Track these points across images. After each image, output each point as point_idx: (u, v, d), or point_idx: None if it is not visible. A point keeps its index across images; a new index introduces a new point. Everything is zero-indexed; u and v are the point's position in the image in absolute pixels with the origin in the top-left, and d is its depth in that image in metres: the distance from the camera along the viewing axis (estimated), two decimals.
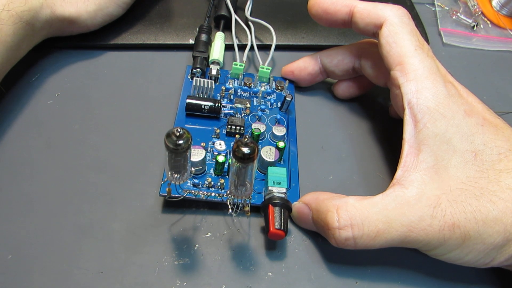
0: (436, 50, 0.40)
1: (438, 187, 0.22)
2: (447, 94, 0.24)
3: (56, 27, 0.31)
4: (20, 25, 0.28)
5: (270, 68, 0.33)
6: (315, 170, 0.30)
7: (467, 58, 0.40)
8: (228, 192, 0.23)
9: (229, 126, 0.29)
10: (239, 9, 0.38)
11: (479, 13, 0.43)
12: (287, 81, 0.33)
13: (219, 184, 0.26)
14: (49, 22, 0.30)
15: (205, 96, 0.30)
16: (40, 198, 0.26)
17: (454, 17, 0.43)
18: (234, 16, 0.36)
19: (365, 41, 0.32)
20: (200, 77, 0.32)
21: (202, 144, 0.28)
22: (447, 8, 0.44)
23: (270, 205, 0.24)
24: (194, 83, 0.30)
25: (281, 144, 0.28)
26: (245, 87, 0.33)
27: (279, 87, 0.33)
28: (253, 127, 0.29)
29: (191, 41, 0.36)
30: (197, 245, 0.25)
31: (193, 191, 0.25)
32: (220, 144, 0.28)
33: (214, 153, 0.28)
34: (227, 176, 0.27)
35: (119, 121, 0.30)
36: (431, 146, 0.23)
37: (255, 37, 0.36)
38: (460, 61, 0.40)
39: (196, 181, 0.26)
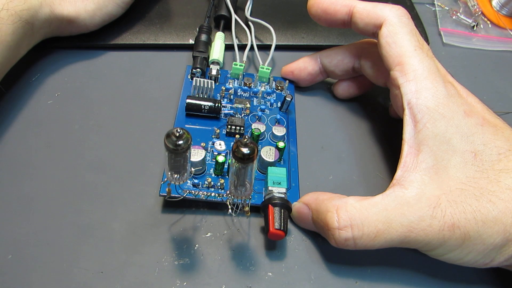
0: (436, 50, 0.40)
1: (438, 188, 0.22)
2: (447, 94, 0.24)
3: (55, 26, 0.31)
4: (20, 24, 0.28)
5: (270, 68, 0.33)
6: (315, 170, 0.30)
7: (467, 58, 0.40)
8: (228, 192, 0.23)
9: (229, 126, 0.29)
10: (239, 9, 0.38)
11: (479, 13, 0.43)
12: (287, 81, 0.33)
13: (219, 184, 0.26)
14: (48, 21, 0.30)
15: (205, 96, 0.30)
16: (40, 198, 0.26)
17: (454, 17, 0.43)
18: (234, 16, 0.36)
19: (364, 41, 0.32)
20: (200, 77, 0.32)
21: (202, 144, 0.28)
22: (447, 8, 0.44)
23: (270, 205, 0.24)
24: (194, 83, 0.30)
25: (281, 144, 0.28)
26: (245, 87, 0.33)
27: (279, 87, 0.33)
28: (253, 127, 0.29)
29: (191, 41, 0.36)
30: (197, 245, 0.25)
31: (193, 191, 0.25)
32: (220, 144, 0.28)
33: (214, 153, 0.28)
34: (227, 176, 0.27)
35: (119, 121, 0.30)
36: (430, 146, 0.23)
37: (255, 37, 0.36)
38: (460, 61, 0.40)
39: (196, 181, 0.26)
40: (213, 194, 0.26)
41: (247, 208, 0.24)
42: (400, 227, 0.22)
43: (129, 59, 0.35)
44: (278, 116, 0.31)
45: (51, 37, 0.33)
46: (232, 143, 0.21)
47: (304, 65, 0.33)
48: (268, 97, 0.32)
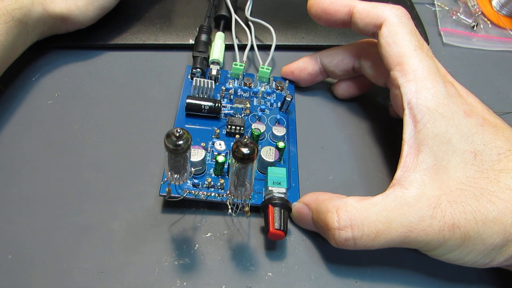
0: (436, 50, 0.40)
1: (438, 188, 0.22)
2: (447, 94, 0.24)
3: (50, 24, 0.31)
4: (12, 24, 0.28)
5: (270, 68, 0.33)
6: (315, 170, 0.30)
7: (467, 58, 0.40)
8: (228, 192, 0.23)
9: (229, 126, 0.29)
10: (239, 9, 0.38)
11: (479, 13, 0.43)
12: (287, 81, 0.33)
13: (219, 184, 0.26)
14: (42, 20, 0.30)
15: (205, 96, 0.30)
16: (40, 198, 0.26)
17: (454, 17, 0.43)
18: (234, 16, 0.36)
19: (364, 41, 0.32)
20: (200, 77, 0.32)
21: (202, 144, 0.28)
22: (447, 8, 0.44)
23: (270, 205, 0.24)
24: (194, 83, 0.30)
25: (281, 144, 0.28)
26: (245, 87, 0.33)
27: (279, 87, 0.33)
28: (253, 127, 0.29)
29: (191, 41, 0.36)
30: (197, 245, 0.25)
31: (193, 191, 0.25)
32: (220, 144, 0.28)
33: (214, 153, 0.28)
34: (227, 176, 0.27)
35: (119, 121, 0.30)
36: (430, 146, 0.23)
37: (255, 37, 0.36)
38: (460, 61, 0.40)
39: (196, 181, 0.26)
40: (213, 194, 0.26)
41: (247, 208, 0.24)
42: (400, 227, 0.22)
43: (129, 59, 0.35)
44: (278, 116, 0.31)
45: (50, 36, 0.33)
46: (232, 143, 0.21)
47: (304, 65, 0.33)
48: (268, 97, 0.32)
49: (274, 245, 0.26)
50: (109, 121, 0.30)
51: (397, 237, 0.22)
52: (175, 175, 0.22)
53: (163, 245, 0.25)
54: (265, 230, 0.25)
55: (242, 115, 0.31)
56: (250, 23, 0.36)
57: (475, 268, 0.24)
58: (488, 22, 0.43)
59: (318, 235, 0.26)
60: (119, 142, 0.29)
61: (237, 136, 0.29)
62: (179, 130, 0.19)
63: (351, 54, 0.31)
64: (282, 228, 0.23)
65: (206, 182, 0.26)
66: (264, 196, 0.26)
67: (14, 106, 0.30)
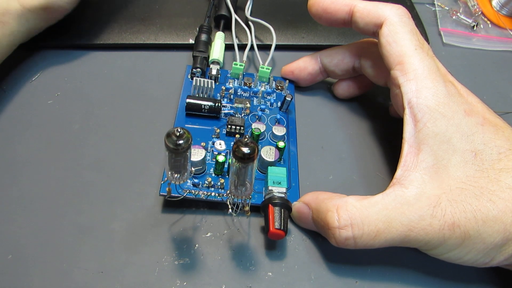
0: (436, 50, 0.40)
1: (438, 187, 0.22)
2: (447, 93, 0.24)
3: (34, 19, 0.30)
4: None
5: (270, 68, 0.33)
6: (315, 170, 0.30)
7: (467, 58, 0.40)
8: (228, 192, 0.23)
9: (229, 126, 0.29)
10: (239, 9, 0.38)
11: (479, 13, 0.43)
12: (287, 81, 0.33)
13: (219, 184, 0.26)
14: (24, 16, 0.29)
15: (205, 96, 0.30)
16: (40, 198, 0.26)
17: (454, 17, 0.43)
18: (234, 16, 0.36)
19: (365, 40, 0.32)
20: (200, 77, 0.32)
21: (202, 144, 0.28)
22: (447, 8, 0.44)
23: (270, 205, 0.24)
24: (194, 83, 0.30)
25: (281, 144, 0.28)
26: (245, 87, 0.33)
27: (279, 87, 0.33)
28: (253, 127, 0.29)
29: (191, 41, 0.36)
30: (197, 245, 0.25)
31: (193, 191, 0.25)
32: (220, 144, 0.28)
33: (214, 153, 0.28)
34: (227, 176, 0.27)
35: (119, 121, 0.30)
36: (431, 145, 0.23)
37: (255, 37, 0.36)
38: (460, 61, 0.40)
39: (196, 181, 0.26)
40: (213, 194, 0.26)
41: (247, 208, 0.24)
42: (400, 226, 0.22)
43: (129, 59, 0.35)
44: (278, 116, 0.31)
45: (50, 36, 0.33)
46: (232, 143, 0.21)
47: (304, 65, 0.33)
48: (268, 97, 0.32)
49: (274, 245, 0.26)
50: (109, 121, 0.30)
51: (397, 236, 0.22)
52: (176, 175, 0.22)
53: (163, 245, 0.25)
54: (265, 229, 0.25)
55: (242, 115, 0.31)
56: (250, 23, 0.36)
57: (475, 267, 0.24)
58: (488, 22, 0.43)
59: (318, 234, 0.26)
60: (119, 142, 0.29)
61: (237, 135, 0.29)
62: (179, 130, 0.19)
63: (351, 53, 0.31)
64: (282, 228, 0.23)
65: (206, 181, 0.26)
66: (264, 196, 0.26)
67: (14, 106, 0.30)
